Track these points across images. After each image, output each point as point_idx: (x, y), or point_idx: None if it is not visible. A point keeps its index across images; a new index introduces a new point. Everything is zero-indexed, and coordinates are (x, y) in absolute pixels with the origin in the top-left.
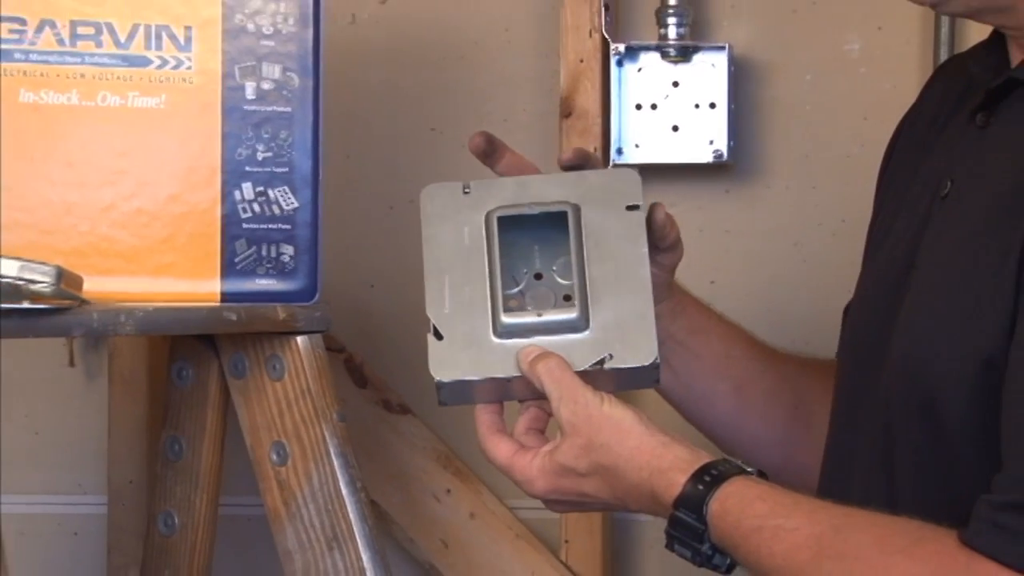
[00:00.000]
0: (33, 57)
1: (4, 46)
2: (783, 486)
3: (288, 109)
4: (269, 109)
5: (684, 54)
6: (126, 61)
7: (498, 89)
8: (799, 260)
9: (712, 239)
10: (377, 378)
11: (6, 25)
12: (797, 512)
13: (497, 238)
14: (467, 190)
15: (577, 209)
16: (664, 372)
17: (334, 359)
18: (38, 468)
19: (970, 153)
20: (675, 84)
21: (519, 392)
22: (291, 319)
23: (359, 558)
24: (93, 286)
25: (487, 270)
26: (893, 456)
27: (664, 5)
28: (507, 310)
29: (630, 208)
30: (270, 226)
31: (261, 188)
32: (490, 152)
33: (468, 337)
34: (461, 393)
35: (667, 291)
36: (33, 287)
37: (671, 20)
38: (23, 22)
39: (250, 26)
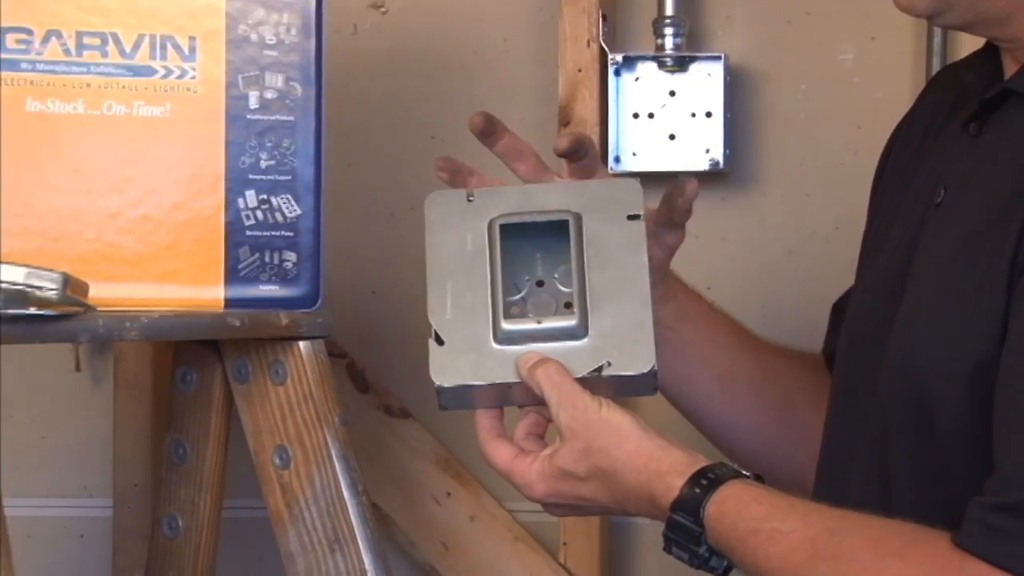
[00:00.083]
0: (40, 67)
1: (11, 56)
2: (778, 489)
3: (291, 118)
4: (272, 118)
5: (680, 64)
6: (131, 71)
7: (498, 98)
8: (794, 267)
9: (708, 246)
10: (378, 383)
11: (13, 35)
12: (792, 515)
13: (499, 246)
14: (470, 198)
15: (578, 218)
16: None
17: (336, 364)
18: (45, 471)
19: (963, 161)
20: (672, 93)
21: (519, 398)
22: (294, 325)
23: (361, 560)
24: (99, 292)
25: (489, 277)
26: (888, 457)
27: (661, 16)
28: (508, 317)
29: (631, 217)
30: (273, 233)
31: (264, 196)
32: (489, 132)
33: (469, 343)
34: (461, 398)
35: (662, 275)
36: (40, 293)
37: (668, 31)
38: (30, 32)
39: (253, 36)
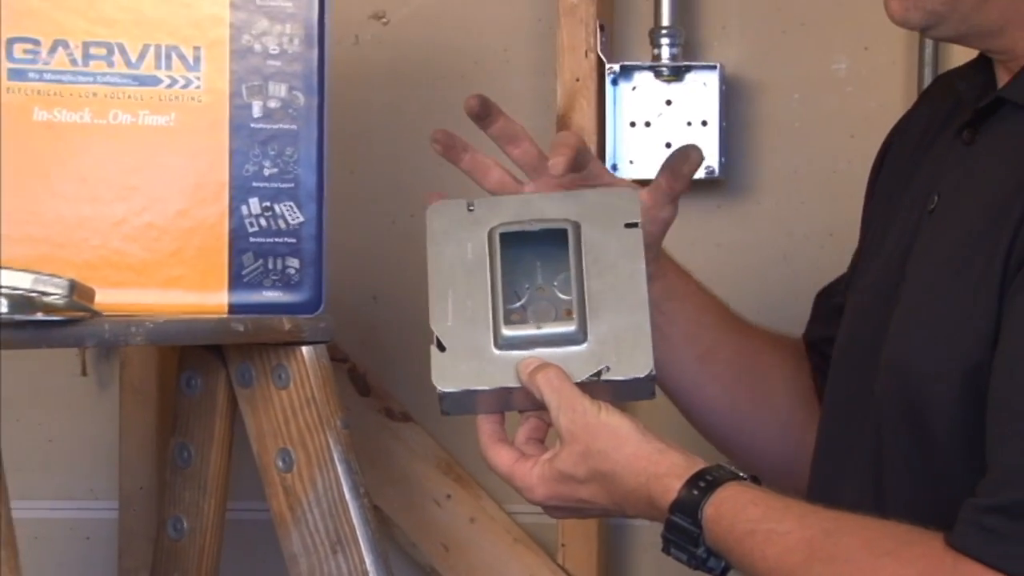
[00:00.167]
0: (47, 77)
1: (18, 66)
2: (775, 491)
3: (294, 127)
4: (275, 127)
5: (677, 73)
6: (137, 80)
7: None
8: (788, 272)
9: (703, 253)
10: (379, 387)
11: (20, 45)
12: (789, 516)
13: (499, 254)
14: (471, 207)
15: (577, 226)
16: None
17: (338, 368)
18: (52, 474)
19: (957, 169)
20: (668, 102)
21: (519, 402)
22: (296, 330)
23: (362, 561)
24: (105, 298)
25: (489, 284)
26: (882, 458)
27: (657, 26)
28: (508, 323)
29: (629, 225)
30: (276, 240)
31: (267, 203)
32: (484, 114)
33: (470, 349)
34: (463, 403)
35: (655, 253)
36: (47, 299)
37: (664, 40)
38: (37, 43)
39: (257, 47)
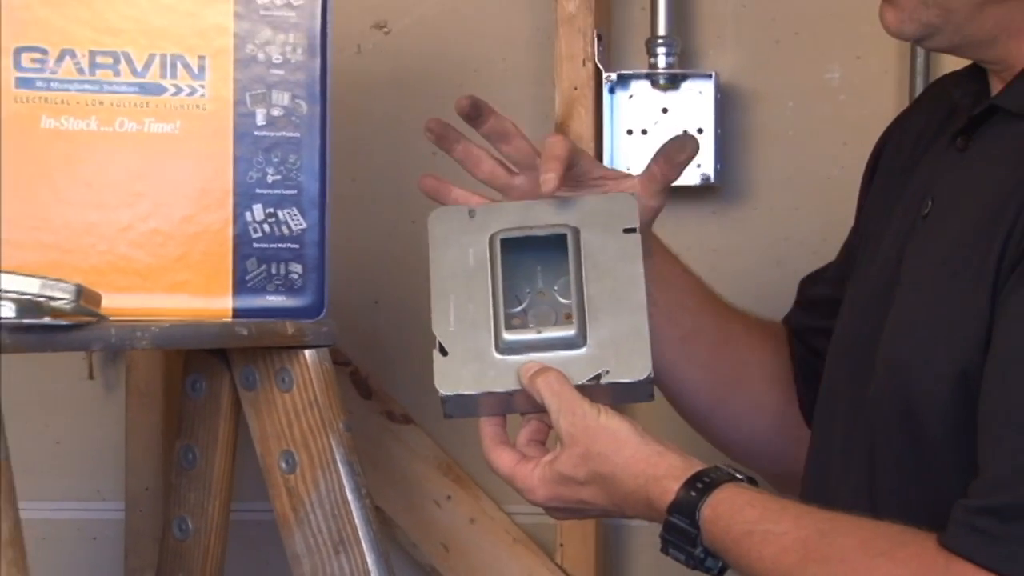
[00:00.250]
0: (54, 85)
1: (26, 74)
2: (772, 492)
3: (297, 134)
4: (278, 134)
5: (673, 82)
6: (143, 89)
7: None
8: (782, 277)
9: (699, 257)
10: (381, 390)
11: (28, 55)
12: (785, 517)
13: (500, 259)
14: (472, 214)
15: (576, 232)
16: None
17: (340, 372)
18: (59, 476)
19: (951, 174)
20: (664, 110)
21: (520, 405)
22: (299, 334)
23: (364, 561)
24: (111, 303)
25: (490, 290)
26: (875, 459)
27: (654, 35)
28: (509, 327)
29: (627, 231)
30: (279, 245)
31: (271, 209)
32: (475, 115)
33: (472, 353)
34: (465, 406)
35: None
36: (54, 304)
37: (660, 50)
38: (44, 52)
39: (260, 56)
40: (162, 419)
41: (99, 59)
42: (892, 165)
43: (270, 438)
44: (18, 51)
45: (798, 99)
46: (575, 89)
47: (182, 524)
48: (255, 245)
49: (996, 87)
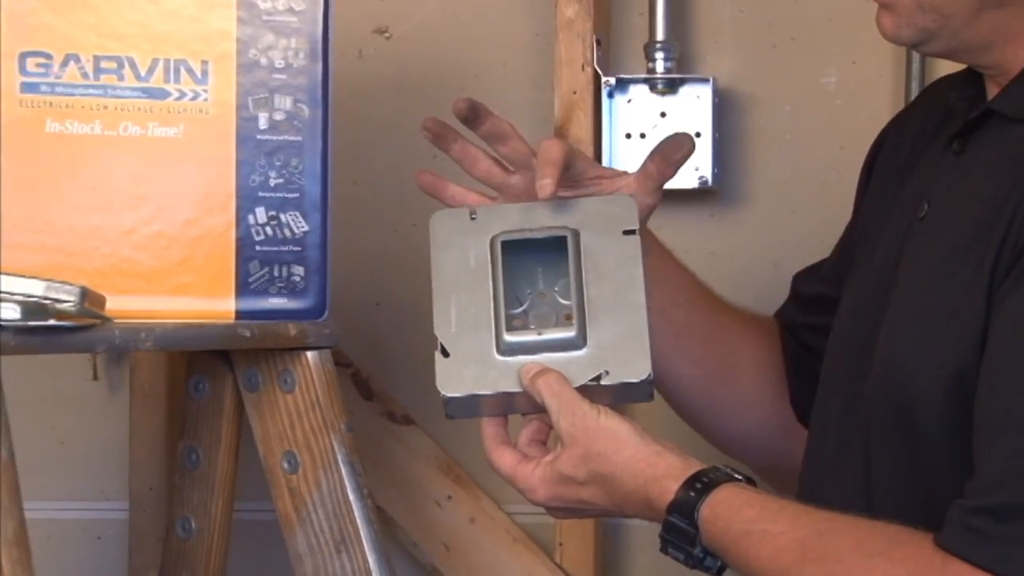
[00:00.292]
0: (59, 90)
1: (31, 79)
2: (770, 492)
3: (299, 138)
4: (281, 138)
5: (671, 86)
6: (146, 93)
7: None
8: (779, 280)
9: (697, 260)
10: (382, 391)
11: (33, 59)
12: (782, 517)
13: (501, 261)
14: (473, 216)
15: (576, 234)
16: None
17: (342, 373)
18: (63, 476)
19: (946, 178)
20: (663, 115)
21: (521, 406)
22: (301, 336)
23: (366, 560)
24: (115, 305)
25: (491, 291)
26: (871, 459)
27: (652, 40)
28: (510, 329)
29: (626, 233)
30: (282, 248)
31: (273, 212)
32: (472, 117)
33: (473, 355)
34: (467, 407)
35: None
36: (59, 306)
37: (659, 55)
38: (49, 56)
39: (263, 60)
40: (166, 420)
41: (103, 64)
42: (889, 167)
43: (272, 438)
44: (23, 56)
45: (795, 103)
46: (574, 93)
47: (185, 524)
48: (258, 248)
49: (992, 91)
